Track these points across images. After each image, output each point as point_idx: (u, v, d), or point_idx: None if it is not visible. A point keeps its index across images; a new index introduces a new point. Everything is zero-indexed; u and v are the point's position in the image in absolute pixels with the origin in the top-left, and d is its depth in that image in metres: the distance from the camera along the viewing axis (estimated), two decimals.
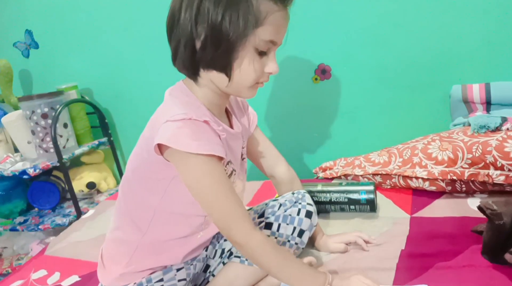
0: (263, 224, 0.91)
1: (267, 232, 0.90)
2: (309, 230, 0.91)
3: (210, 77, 0.74)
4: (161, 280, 0.82)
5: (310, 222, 0.91)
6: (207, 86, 0.76)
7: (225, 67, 0.70)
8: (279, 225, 0.90)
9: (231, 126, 0.85)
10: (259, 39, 0.69)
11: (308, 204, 0.92)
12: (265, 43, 0.70)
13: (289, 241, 0.89)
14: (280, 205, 0.93)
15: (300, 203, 0.91)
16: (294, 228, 0.90)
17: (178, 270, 0.84)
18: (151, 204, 0.78)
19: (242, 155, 0.90)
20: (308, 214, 0.90)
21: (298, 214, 0.90)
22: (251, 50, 0.70)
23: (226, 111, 0.87)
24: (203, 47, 0.69)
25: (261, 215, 0.94)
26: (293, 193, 0.95)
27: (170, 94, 0.76)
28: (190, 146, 0.66)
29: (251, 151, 0.99)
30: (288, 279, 0.74)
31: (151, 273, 0.82)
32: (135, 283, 0.81)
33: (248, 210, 1.01)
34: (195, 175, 0.70)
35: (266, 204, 0.97)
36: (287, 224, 0.90)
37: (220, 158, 0.71)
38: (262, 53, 0.71)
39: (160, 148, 0.70)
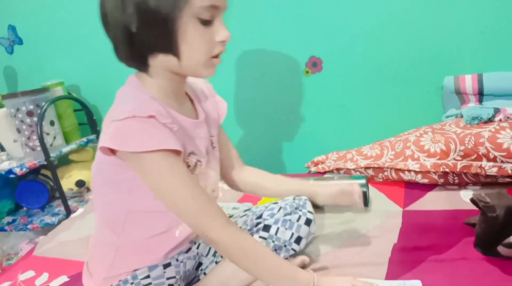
0: (261, 225, 0.89)
1: (265, 234, 0.88)
2: (306, 238, 0.90)
3: (160, 63, 0.70)
4: (148, 276, 0.79)
5: (308, 230, 0.90)
6: (160, 75, 0.72)
7: (169, 47, 0.66)
8: (278, 228, 0.88)
9: (196, 114, 0.82)
10: (197, 7, 0.64)
11: (308, 211, 0.90)
12: (205, 10, 0.65)
13: (285, 246, 0.88)
14: (280, 208, 0.91)
15: (300, 210, 0.90)
16: (292, 234, 0.88)
17: (165, 267, 0.82)
18: (120, 206, 0.76)
19: (212, 143, 0.87)
20: (308, 222, 0.89)
21: (298, 220, 0.88)
22: (192, 21, 0.65)
23: (191, 100, 0.83)
24: (138, 30, 0.65)
25: (259, 216, 0.92)
26: (294, 199, 0.93)
27: (120, 92, 0.73)
28: (137, 146, 0.63)
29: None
30: (267, 278, 0.72)
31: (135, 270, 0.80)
32: (120, 280, 0.79)
33: (246, 210, 0.99)
34: (152, 176, 0.67)
35: (265, 206, 0.95)
36: (286, 228, 0.88)
37: (177, 152, 0.68)
38: (207, 22, 0.66)
39: (111, 149, 0.67)
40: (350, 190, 0.91)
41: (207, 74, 0.71)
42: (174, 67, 0.70)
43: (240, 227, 0.93)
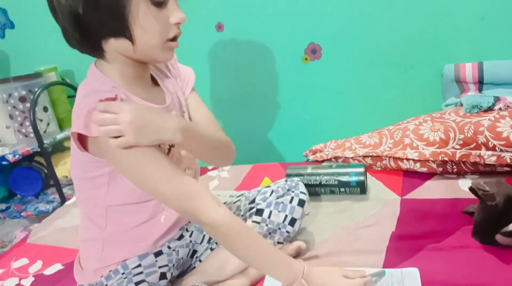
0: (253, 210, 0.89)
1: (258, 218, 0.87)
2: (301, 219, 0.90)
3: (114, 48, 0.67)
4: (139, 266, 0.78)
5: (302, 211, 0.89)
6: (118, 60, 0.69)
7: (120, 30, 0.63)
8: (271, 212, 0.88)
9: (164, 97, 0.79)
10: None
11: (301, 192, 0.90)
12: None
13: (279, 228, 0.87)
14: (272, 191, 0.91)
15: (293, 191, 0.90)
16: (286, 216, 0.88)
17: (157, 255, 0.81)
18: (99, 201, 0.75)
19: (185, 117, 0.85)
20: (301, 203, 0.89)
21: (290, 202, 0.88)
22: (144, 3, 0.63)
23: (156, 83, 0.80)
24: (86, 13, 0.61)
25: (252, 201, 0.92)
26: (286, 180, 0.93)
27: (82, 85, 0.70)
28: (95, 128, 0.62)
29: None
30: (257, 264, 0.72)
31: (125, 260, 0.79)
32: (110, 271, 0.78)
33: (239, 195, 0.98)
34: (130, 167, 0.65)
35: (258, 190, 0.94)
36: (279, 211, 0.88)
37: None
38: (160, 4, 0.64)
39: (83, 144, 0.65)
40: None
41: (163, 58, 0.70)
42: (129, 52, 0.67)
43: (234, 213, 0.92)
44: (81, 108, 0.64)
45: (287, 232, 0.88)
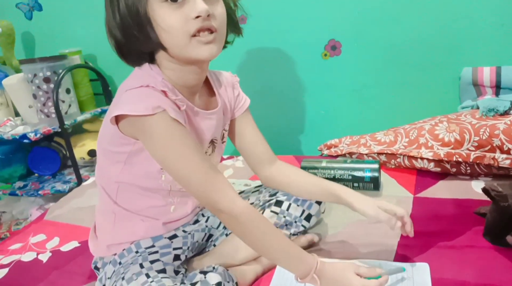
0: (273, 201, 0.90)
1: (277, 209, 0.89)
2: (317, 216, 0.91)
3: (160, 57, 0.71)
4: (152, 246, 0.80)
5: (318, 208, 0.91)
6: (167, 67, 0.72)
7: (151, 42, 0.67)
8: (290, 204, 0.89)
9: (211, 105, 0.82)
10: None
11: None
12: None
13: (295, 222, 0.89)
14: None
15: None
16: (303, 210, 0.89)
17: (172, 238, 0.83)
18: (112, 175, 0.77)
19: (223, 137, 0.87)
20: (319, 201, 0.91)
21: None
22: (160, 5, 0.64)
23: (211, 90, 0.84)
24: (124, 37, 0.67)
25: (273, 194, 0.93)
26: None
27: (136, 69, 0.74)
28: (146, 109, 0.63)
29: (237, 142, 0.92)
30: (272, 256, 0.71)
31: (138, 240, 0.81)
32: (124, 250, 0.80)
33: (258, 186, 0.99)
34: (159, 142, 0.66)
35: None
36: (298, 205, 0.89)
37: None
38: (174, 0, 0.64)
39: (118, 119, 0.68)
40: (390, 209, 0.79)
41: (198, 54, 0.67)
42: (170, 58, 0.70)
43: (252, 203, 0.95)
44: (135, 92, 0.66)
45: (303, 226, 0.90)
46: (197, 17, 0.64)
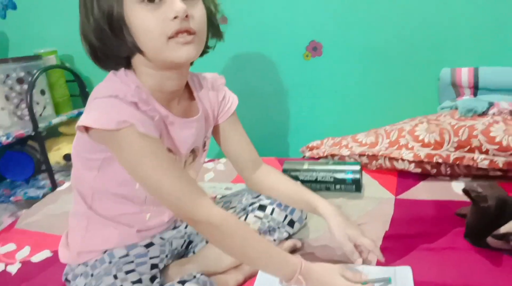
0: (256, 205, 0.89)
1: (260, 214, 0.87)
2: (299, 222, 0.91)
3: (137, 61, 0.69)
4: (127, 255, 0.77)
5: (300, 215, 0.91)
6: (142, 73, 0.70)
7: (127, 45, 0.64)
8: (273, 209, 0.88)
9: (192, 112, 0.79)
10: None
11: None
12: None
13: (279, 228, 0.88)
14: None
15: None
16: (286, 216, 0.88)
17: (148, 246, 0.80)
18: (88, 181, 0.75)
19: (205, 144, 0.85)
20: None
21: None
22: (137, 7, 0.62)
23: (192, 95, 0.81)
24: (98, 41, 0.65)
25: (256, 196, 0.92)
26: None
27: (110, 74, 0.71)
28: (113, 123, 0.60)
29: (223, 146, 0.90)
30: (254, 262, 0.70)
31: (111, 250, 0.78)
32: (96, 260, 0.77)
33: (240, 190, 0.98)
34: (130, 156, 0.64)
35: None
36: (281, 210, 0.88)
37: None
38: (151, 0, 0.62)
39: (87, 127, 0.65)
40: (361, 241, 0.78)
41: (176, 56, 0.65)
42: (147, 63, 0.67)
43: (234, 206, 0.93)
44: (101, 103, 0.64)
45: (287, 232, 0.89)
46: (175, 17, 0.61)
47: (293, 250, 0.89)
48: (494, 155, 1.08)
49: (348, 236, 0.78)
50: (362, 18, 1.45)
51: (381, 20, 1.44)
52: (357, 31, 1.47)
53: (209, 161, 1.46)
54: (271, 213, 0.87)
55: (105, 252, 0.77)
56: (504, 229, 0.78)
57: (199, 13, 0.66)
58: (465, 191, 0.84)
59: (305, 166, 1.17)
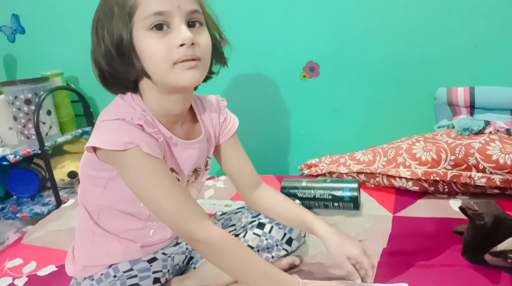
0: (255, 223, 0.90)
1: (259, 231, 0.88)
2: (298, 240, 0.92)
3: (144, 85, 0.72)
4: (131, 270, 0.79)
5: (299, 233, 0.91)
6: (148, 96, 0.73)
7: (135, 70, 0.67)
8: (272, 227, 0.89)
9: (194, 133, 0.82)
10: (143, 19, 0.64)
11: None
12: (150, 19, 0.63)
13: (277, 245, 0.89)
14: None
15: None
16: (285, 234, 0.89)
17: (151, 261, 0.82)
18: (94, 197, 0.77)
19: (207, 164, 0.87)
20: None
21: None
22: (146, 34, 0.65)
23: (195, 117, 0.83)
24: (108, 65, 0.68)
25: (256, 215, 0.93)
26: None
27: (118, 97, 0.74)
28: (119, 144, 0.64)
29: (223, 165, 0.92)
30: (251, 282, 0.69)
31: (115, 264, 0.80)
32: (101, 274, 0.79)
33: (240, 208, 0.99)
34: (132, 175, 0.67)
35: None
36: (280, 228, 0.89)
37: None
38: (159, 27, 0.64)
39: (95, 148, 0.68)
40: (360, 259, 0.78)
41: (181, 79, 0.66)
42: (154, 87, 0.70)
43: (234, 224, 0.94)
44: (109, 125, 0.67)
45: (285, 250, 0.89)
46: (182, 45, 0.64)
47: (292, 267, 0.90)
48: (491, 173, 1.09)
49: (347, 255, 0.77)
50: (357, 39, 1.48)
51: (377, 41, 1.47)
52: (352, 51, 1.50)
53: (209, 178, 1.48)
54: (270, 231, 0.88)
55: (110, 266, 0.79)
56: (501, 246, 0.78)
57: (204, 40, 0.68)
58: (462, 209, 0.85)
59: (303, 184, 1.18)
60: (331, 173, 1.36)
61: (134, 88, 0.73)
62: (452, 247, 0.90)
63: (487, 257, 0.80)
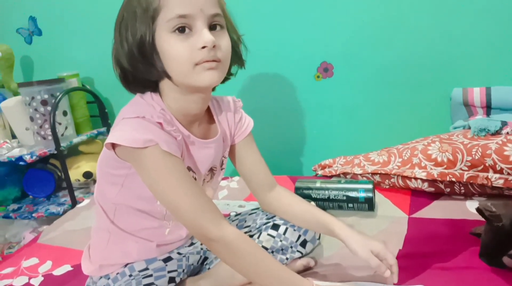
0: (270, 224, 0.90)
1: (273, 232, 0.88)
2: (312, 242, 0.91)
3: (164, 85, 0.73)
4: (146, 269, 0.80)
5: (314, 235, 0.91)
6: (168, 95, 0.74)
7: (157, 66, 0.69)
8: (287, 229, 0.89)
9: (211, 133, 0.83)
10: (166, 22, 0.65)
11: None
12: (173, 21, 0.65)
13: (291, 247, 0.88)
14: None
15: None
16: (299, 236, 0.89)
17: (166, 261, 0.82)
18: (111, 196, 0.78)
19: (222, 163, 0.88)
20: None
21: None
22: (168, 36, 0.66)
23: (212, 117, 0.84)
24: (130, 65, 0.69)
25: (271, 217, 0.93)
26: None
27: (137, 96, 0.76)
28: (138, 141, 0.64)
29: (238, 166, 0.92)
30: (264, 282, 0.69)
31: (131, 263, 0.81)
32: (117, 273, 0.80)
33: (255, 209, 0.99)
34: (150, 172, 0.67)
35: None
36: (294, 230, 0.89)
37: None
38: (182, 30, 0.66)
39: (114, 145, 0.69)
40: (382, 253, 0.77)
41: (200, 80, 0.68)
42: (174, 87, 0.72)
43: (249, 225, 0.94)
44: (129, 123, 0.68)
45: (299, 252, 0.89)
46: (203, 47, 0.65)
47: (306, 269, 0.90)
48: (508, 174, 1.07)
49: (371, 251, 0.76)
50: (371, 39, 1.48)
51: (390, 41, 1.46)
52: (366, 51, 1.49)
53: (223, 179, 1.48)
54: (284, 233, 0.88)
55: (126, 265, 0.80)
56: None
57: (225, 43, 0.70)
58: (479, 210, 0.83)
59: (318, 185, 1.17)
60: (345, 174, 1.36)
61: (154, 88, 0.74)
62: (469, 249, 0.89)
63: (506, 259, 0.79)
